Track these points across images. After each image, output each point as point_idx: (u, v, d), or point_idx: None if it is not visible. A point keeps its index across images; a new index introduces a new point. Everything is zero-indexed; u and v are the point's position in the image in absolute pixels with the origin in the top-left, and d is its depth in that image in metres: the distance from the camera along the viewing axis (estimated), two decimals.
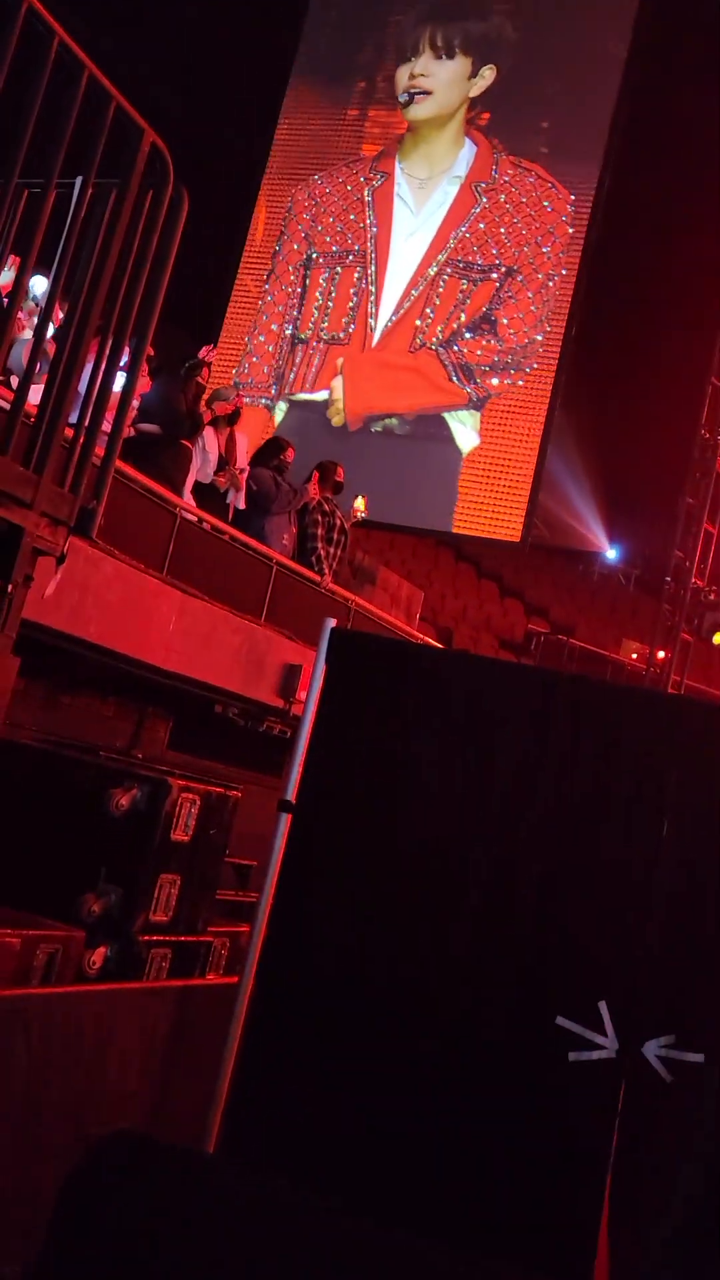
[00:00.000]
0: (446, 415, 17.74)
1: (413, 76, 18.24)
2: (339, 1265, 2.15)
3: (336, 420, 17.77)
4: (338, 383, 17.84)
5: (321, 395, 17.94)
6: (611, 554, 20.92)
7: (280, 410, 18.23)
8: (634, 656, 16.82)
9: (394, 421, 17.87)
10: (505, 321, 17.69)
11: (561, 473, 18.71)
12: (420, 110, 18.13)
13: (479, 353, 17.73)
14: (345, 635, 3.88)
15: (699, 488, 13.29)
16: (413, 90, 18.13)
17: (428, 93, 18.12)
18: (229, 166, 18.46)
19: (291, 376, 18.27)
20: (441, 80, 18.23)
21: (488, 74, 18.14)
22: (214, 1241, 2.11)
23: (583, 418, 18.60)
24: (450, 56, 18.10)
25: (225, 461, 7.54)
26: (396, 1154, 3.24)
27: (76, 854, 4.03)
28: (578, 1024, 3.24)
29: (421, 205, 18.08)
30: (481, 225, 17.88)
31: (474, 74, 18.18)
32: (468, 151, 18.15)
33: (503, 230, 17.85)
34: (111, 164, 3.01)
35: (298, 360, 18.32)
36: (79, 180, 2.98)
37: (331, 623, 3.92)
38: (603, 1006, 3.23)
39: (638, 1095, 3.18)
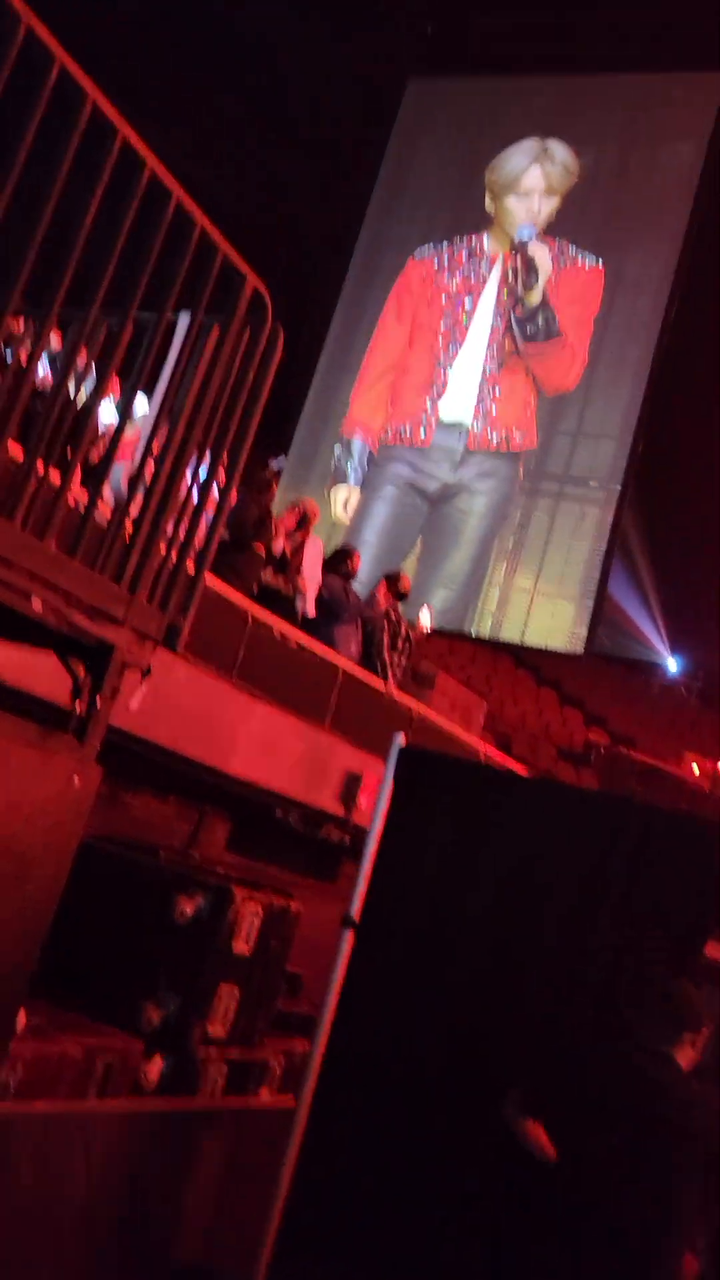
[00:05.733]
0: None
1: (525, 196, 18.84)
2: None
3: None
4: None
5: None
6: (673, 665, 20.75)
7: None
8: (696, 771, 16.52)
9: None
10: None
11: (623, 582, 18.73)
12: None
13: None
14: (414, 754, 3.92)
15: None
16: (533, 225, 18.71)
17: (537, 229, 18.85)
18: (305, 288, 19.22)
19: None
20: (546, 212, 18.94)
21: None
22: None
23: (646, 528, 18.71)
24: (553, 195, 18.81)
25: (285, 564, 7.68)
26: None
27: (138, 958, 4.05)
28: None
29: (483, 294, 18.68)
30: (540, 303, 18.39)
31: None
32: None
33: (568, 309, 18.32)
34: (219, 300, 3.20)
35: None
36: (185, 316, 3.16)
37: (400, 739, 3.96)
38: None
39: None
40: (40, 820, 2.83)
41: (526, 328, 18.36)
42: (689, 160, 18.35)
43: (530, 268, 18.51)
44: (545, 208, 18.88)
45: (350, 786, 6.45)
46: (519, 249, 18.65)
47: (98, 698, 2.87)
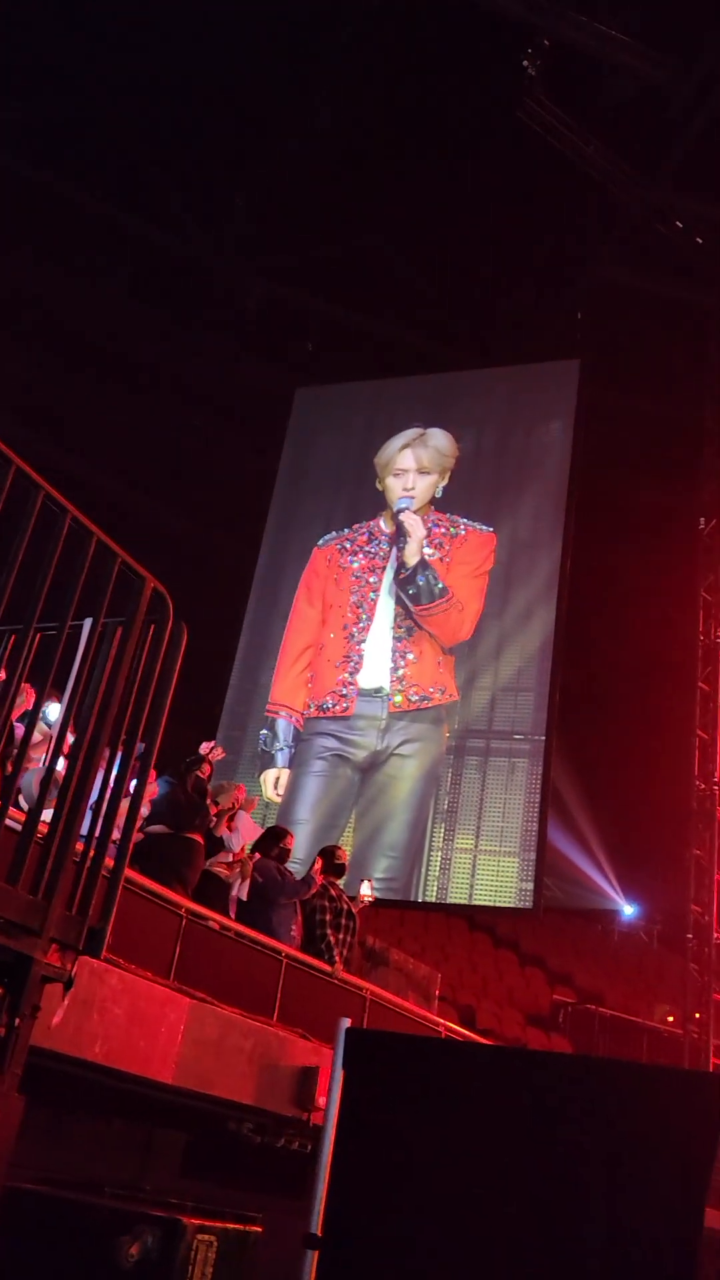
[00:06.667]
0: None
1: (399, 475, 20.37)
2: None
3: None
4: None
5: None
6: (629, 910, 20.44)
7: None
8: (669, 1019, 15.92)
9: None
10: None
11: (564, 831, 18.71)
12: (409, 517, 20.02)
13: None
14: (362, 1036, 3.74)
15: (703, 838, 13.27)
16: (408, 498, 20.14)
17: (413, 498, 20.24)
18: (225, 570, 20.15)
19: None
20: (422, 488, 20.41)
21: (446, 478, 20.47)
22: None
23: (577, 776, 18.93)
24: (426, 473, 20.43)
25: (222, 846, 7.52)
26: None
27: None
28: None
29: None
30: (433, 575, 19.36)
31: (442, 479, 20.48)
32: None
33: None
34: (122, 601, 3.33)
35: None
36: (88, 621, 3.27)
37: (346, 1023, 3.78)
38: None
39: None
40: None
41: (409, 590, 19.34)
42: (559, 436, 20.09)
43: (400, 532, 19.76)
44: (420, 484, 20.43)
45: (306, 1084, 6.05)
46: (395, 519, 19.98)
47: (16, 1020, 2.71)
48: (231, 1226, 3.89)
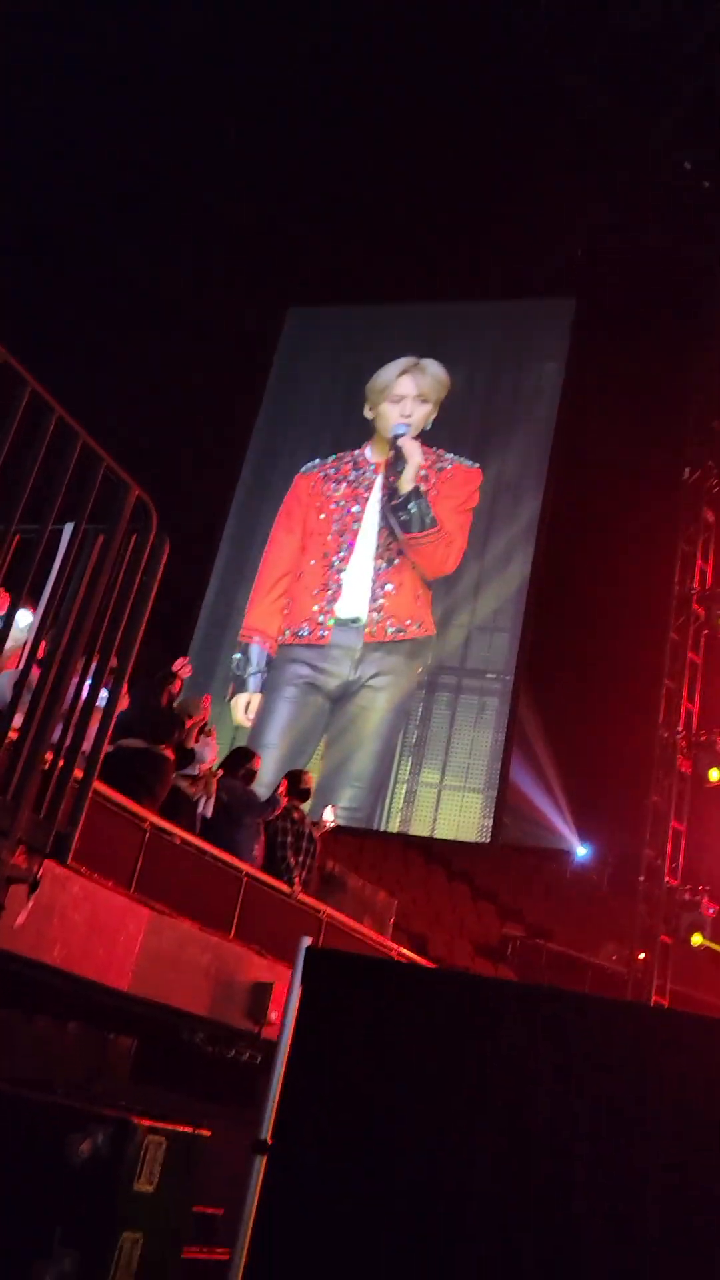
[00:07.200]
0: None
1: (397, 401, 20.11)
2: None
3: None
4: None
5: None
6: (583, 851, 20.82)
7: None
8: (614, 958, 16.32)
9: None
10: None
11: (527, 771, 18.95)
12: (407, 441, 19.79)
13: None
14: (322, 955, 3.80)
15: (663, 785, 13.47)
16: (405, 423, 19.90)
17: (409, 425, 20.01)
18: (200, 486, 19.93)
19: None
20: (419, 416, 20.20)
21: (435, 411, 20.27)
22: None
23: (544, 718, 19.11)
24: (424, 401, 20.20)
25: (191, 758, 7.53)
26: None
27: (30, 1209, 3.69)
28: None
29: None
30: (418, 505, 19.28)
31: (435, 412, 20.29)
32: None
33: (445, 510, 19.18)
34: (105, 509, 3.28)
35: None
36: (68, 526, 3.22)
37: (307, 941, 3.84)
38: None
39: None
40: None
41: (400, 515, 19.21)
42: (552, 378, 19.90)
43: (399, 456, 19.57)
44: (417, 411, 20.17)
45: (259, 999, 6.16)
46: (393, 444, 19.77)
47: None
48: (181, 1129, 3.98)
